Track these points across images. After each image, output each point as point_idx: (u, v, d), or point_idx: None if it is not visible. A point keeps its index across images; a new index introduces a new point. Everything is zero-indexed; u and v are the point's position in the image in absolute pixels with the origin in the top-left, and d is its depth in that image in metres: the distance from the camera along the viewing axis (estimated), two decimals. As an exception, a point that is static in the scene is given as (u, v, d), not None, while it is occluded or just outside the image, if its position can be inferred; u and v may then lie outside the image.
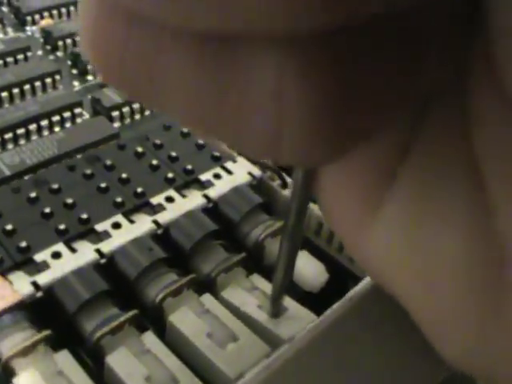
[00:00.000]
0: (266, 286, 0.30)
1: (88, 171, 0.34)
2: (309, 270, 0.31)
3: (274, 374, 0.22)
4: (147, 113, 0.45)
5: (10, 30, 0.53)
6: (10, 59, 0.48)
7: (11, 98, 0.44)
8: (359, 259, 0.15)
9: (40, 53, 0.50)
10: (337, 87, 0.11)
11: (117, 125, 0.43)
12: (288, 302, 0.28)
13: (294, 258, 0.23)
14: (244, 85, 0.11)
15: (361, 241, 0.15)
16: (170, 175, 0.34)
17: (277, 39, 0.11)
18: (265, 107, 0.11)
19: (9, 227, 0.30)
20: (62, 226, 0.30)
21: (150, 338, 0.27)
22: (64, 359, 0.26)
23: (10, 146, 0.40)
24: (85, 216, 0.31)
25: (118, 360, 0.26)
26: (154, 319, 0.29)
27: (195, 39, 0.11)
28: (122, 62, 0.12)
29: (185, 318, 0.28)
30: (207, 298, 0.29)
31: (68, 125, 0.43)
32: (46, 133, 0.42)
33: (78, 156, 0.36)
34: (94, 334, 0.27)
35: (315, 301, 0.31)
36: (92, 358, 0.28)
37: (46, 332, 0.27)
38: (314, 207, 0.35)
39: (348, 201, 0.15)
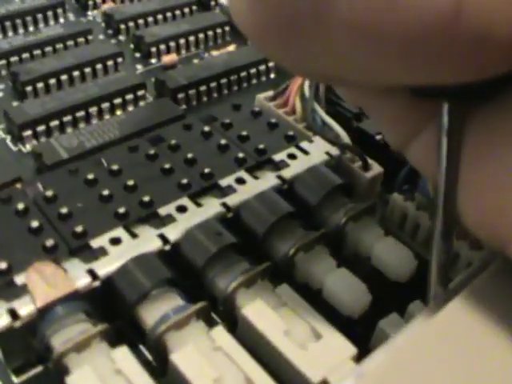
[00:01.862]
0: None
1: (151, 152, 0.31)
2: (396, 255, 0.27)
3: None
4: (214, 95, 0.42)
5: (71, 15, 0.51)
6: (70, 43, 0.45)
7: (71, 80, 0.42)
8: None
9: (102, 37, 0.48)
10: None
11: (183, 107, 0.40)
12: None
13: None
14: None
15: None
16: (241, 155, 0.31)
17: None
18: None
19: (64, 211, 0.27)
20: (121, 210, 0.27)
21: (220, 334, 0.24)
22: (123, 356, 0.23)
23: (69, 129, 0.38)
24: (147, 199, 0.28)
25: (185, 358, 0.23)
26: (224, 312, 0.25)
27: None
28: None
29: (260, 312, 0.25)
30: (284, 290, 0.26)
31: (130, 108, 0.40)
32: (107, 116, 0.39)
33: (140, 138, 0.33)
34: (156, 328, 0.24)
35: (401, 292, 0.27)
36: (154, 356, 0.24)
37: (103, 326, 0.24)
38: (397, 197, 0.31)
39: None
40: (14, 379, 0.25)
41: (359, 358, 0.23)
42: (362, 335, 0.26)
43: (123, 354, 0.23)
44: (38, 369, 0.25)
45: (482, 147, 0.17)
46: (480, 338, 0.19)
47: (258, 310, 0.25)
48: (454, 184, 0.18)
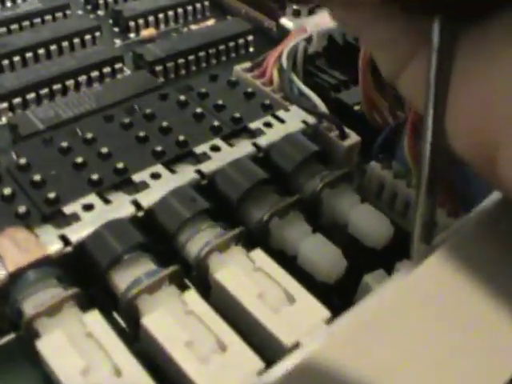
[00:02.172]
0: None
1: (126, 121, 0.30)
2: (372, 222, 0.27)
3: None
4: (193, 68, 0.41)
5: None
6: (48, 17, 0.45)
7: (48, 54, 0.41)
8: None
9: (80, 12, 0.47)
10: None
11: (161, 80, 0.40)
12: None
13: (435, 188, 0.20)
14: None
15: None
16: (216, 124, 0.30)
17: None
18: None
19: (37, 178, 0.27)
20: (95, 177, 0.27)
21: (192, 298, 0.24)
22: (94, 320, 0.23)
23: (46, 102, 0.38)
24: (121, 166, 0.28)
25: (156, 322, 0.23)
26: (197, 277, 0.25)
27: None
28: None
29: (233, 277, 0.25)
30: (258, 254, 0.25)
31: (108, 81, 0.40)
32: (84, 89, 0.39)
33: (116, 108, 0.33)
34: (128, 292, 0.23)
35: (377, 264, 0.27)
36: (126, 321, 0.24)
37: (74, 290, 0.23)
38: (375, 166, 0.31)
39: None
40: (-13, 346, 0.25)
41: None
42: (340, 306, 0.26)
43: (94, 317, 0.23)
44: (11, 336, 0.25)
45: (470, 66, 0.17)
46: (456, 293, 0.19)
47: (230, 274, 0.25)
48: (443, 106, 0.18)
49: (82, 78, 0.39)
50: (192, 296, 0.24)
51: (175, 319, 0.23)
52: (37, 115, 0.34)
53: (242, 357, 0.22)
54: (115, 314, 0.25)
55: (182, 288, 0.24)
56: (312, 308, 0.24)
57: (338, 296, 0.27)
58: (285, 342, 0.23)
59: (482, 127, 0.17)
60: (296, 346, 0.23)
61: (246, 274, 0.25)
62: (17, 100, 0.37)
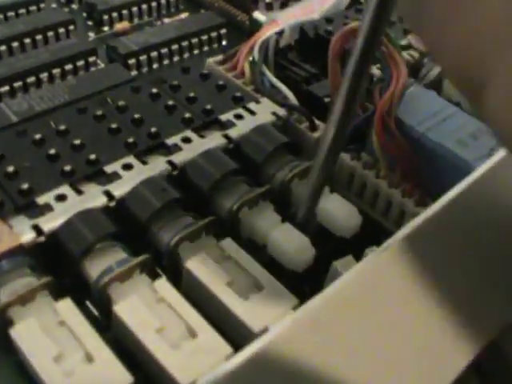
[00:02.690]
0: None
1: (98, 113, 0.31)
2: (341, 211, 0.28)
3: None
4: (166, 61, 0.42)
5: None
6: (22, 11, 0.45)
7: (22, 48, 0.41)
8: None
9: (54, 5, 0.48)
10: None
11: (134, 73, 0.40)
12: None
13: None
14: None
15: None
16: (188, 115, 0.31)
17: None
18: None
19: (10, 169, 0.27)
20: (67, 168, 0.27)
21: (163, 286, 0.24)
22: (66, 308, 0.23)
23: (20, 95, 0.38)
24: (93, 157, 0.28)
25: (128, 310, 0.23)
26: (168, 266, 0.26)
27: None
28: None
29: (203, 265, 0.25)
30: (228, 243, 0.26)
31: (82, 74, 0.40)
32: (58, 82, 0.39)
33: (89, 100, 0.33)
34: (100, 280, 0.24)
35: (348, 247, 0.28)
36: (98, 308, 0.25)
37: (47, 278, 0.24)
38: (345, 157, 0.31)
39: None
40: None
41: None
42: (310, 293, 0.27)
43: (67, 305, 0.23)
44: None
45: None
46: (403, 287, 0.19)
47: (201, 263, 0.25)
48: None
49: (56, 71, 0.39)
50: (163, 284, 0.24)
51: (146, 307, 0.23)
52: (10, 108, 0.34)
53: (212, 343, 0.23)
54: (88, 303, 0.26)
55: (154, 276, 0.25)
56: (280, 295, 0.24)
57: (308, 283, 0.27)
58: (253, 327, 0.23)
59: (469, 45, 0.16)
60: (264, 332, 0.23)
61: (216, 262, 0.25)
62: (-9, 92, 0.37)
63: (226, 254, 0.26)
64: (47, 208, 0.26)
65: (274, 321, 0.23)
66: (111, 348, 0.22)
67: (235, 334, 0.24)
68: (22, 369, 0.23)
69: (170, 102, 0.32)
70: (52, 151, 0.28)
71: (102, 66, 0.41)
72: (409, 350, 0.19)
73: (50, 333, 0.22)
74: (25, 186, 0.27)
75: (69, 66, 0.39)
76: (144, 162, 0.29)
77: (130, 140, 0.29)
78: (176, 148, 0.29)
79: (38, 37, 0.42)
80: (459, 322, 0.20)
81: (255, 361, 0.18)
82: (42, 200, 0.26)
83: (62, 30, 0.43)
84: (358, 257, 0.27)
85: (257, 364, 0.18)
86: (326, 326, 0.19)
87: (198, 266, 0.25)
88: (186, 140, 0.30)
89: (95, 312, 0.26)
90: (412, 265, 0.20)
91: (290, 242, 0.26)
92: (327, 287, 0.20)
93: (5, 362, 0.24)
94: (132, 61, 0.40)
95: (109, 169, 0.28)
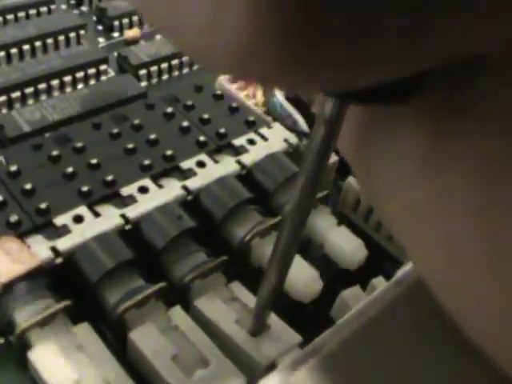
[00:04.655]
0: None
1: (114, 130, 0.31)
2: (347, 245, 0.29)
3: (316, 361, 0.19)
4: (175, 73, 0.42)
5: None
6: (32, 11, 0.45)
7: (33, 51, 0.42)
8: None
9: (64, 7, 0.48)
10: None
11: (144, 84, 0.41)
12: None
13: (290, 260, 0.21)
14: None
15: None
16: (202, 138, 0.32)
17: None
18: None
19: (28, 187, 0.28)
20: (85, 188, 0.28)
21: (178, 314, 0.25)
22: (84, 332, 0.24)
23: (31, 101, 0.38)
24: (110, 178, 0.29)
25: (144, 336, 0.24)
26: (179, 297, 0.27)
27: None
28: None
29: (211, 304, 0.26)
30: (236, 286, 0.27)
31: (92, 82, 0.40)
32: (68, 89, 0.39)
33: (104, 114, 0.34)
34: (117, 306, 0.25)
35: (352, 280, 0.29)
36: (114, 333, 0.25)
37: (66, 302, 0.24)
38: (352, 182, 0.32)
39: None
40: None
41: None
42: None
43: (85, 330, 0.24)
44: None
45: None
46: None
47: (209, 303, 0.26)
48: None
49: (67, 79, 0.39)
50: (178, 312, 0.25)
51: (161, 333, 0.24)
52: (23, 116, 0.35)
53: (224, 371, 0.24)
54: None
55: (169, 304, 0.26)
56: (286, 333, 0.25)
57: (313, 310, 0.28)
58: (261, 361, 0.24)
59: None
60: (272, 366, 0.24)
61: (224, 303, 0.26)
62: (2, 98, 0.37)
63: (234, 295, 0.26)
64: (65, 229, 0.27)
65: (281, 356, 0.24)
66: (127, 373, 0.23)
67: (243, 366, 0.24)
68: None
69: (185, 123, 0.32)
70: (69, 170, 0.29)
71: (113, 74, 0.41)
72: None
73: (69, 357, 0.23)
74: (43, 205, 0.27)
75: (80, 74, 0.40)
76: (159, 186, 0.29)
77: (146, 162, 0.30)
78: (190, 172, 0.30)
79: (49, 40, 0.42)
80: None
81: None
82: (59, 220, 0.27)
83: (73, 35, 0.43)
84: (363, 284, 0.28)
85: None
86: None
87: (206, 306, 0.26)
88: (201, 164, 0.30)
89: (110, 336, 0.26)
90: None
91: (299, 274, 0.27)
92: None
93: (19, 378, 0.25)
94: (143, 72, 0.41)
95: (125, 191, 0.29)
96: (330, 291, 0.28)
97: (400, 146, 0.13)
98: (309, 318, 0.28)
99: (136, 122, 0.32)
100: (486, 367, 0.18)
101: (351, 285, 0.28)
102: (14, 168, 0.29)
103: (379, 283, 0.28)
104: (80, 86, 0.40)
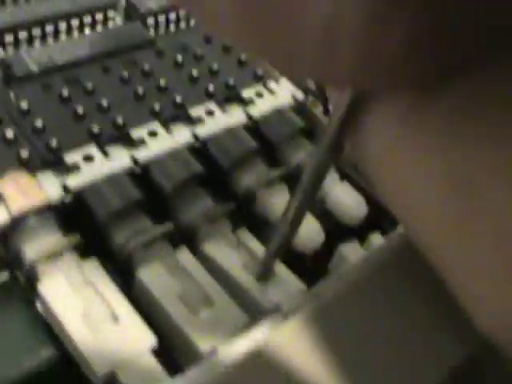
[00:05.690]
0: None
1: (124, 74, 0.32)
2: (349, 200, 0.29)
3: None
4: (182, 25, 0.42)
5: None
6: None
7: (40, -8, 0.41)
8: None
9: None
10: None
11: (151, 33, 0.41)
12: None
13: (304, 214, 0.21)
14: None
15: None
16: (211, 88, 0.32)
17: None
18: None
19: (38, 124, 0.28)
20: (95, 129, 0.28)
21: (184, 255, 0.26)
22: (93, 268, 0.25)
23: (38, 43, 0.38)
24: (120, 120, 0.29)
25: (151, 276, 0.25)
26: (185, 241, 0.27)
27: None
28: None
29: (219, 250, 0.26)
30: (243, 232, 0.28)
31: (99, 28, 0.40)
32: (75, 33, 0.39)
33: (113, 59, 0.34)
34: (126, 246, 0.25)
35: (350, 235, 0.29)
36: (120, 272, 0.26)
37: (75, 237, 0.25)
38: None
39: None
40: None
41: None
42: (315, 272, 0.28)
43: (93, 265, 0.25)
44: (4, 275, 0.26)
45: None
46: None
47: (216, 247, 0.27)
48: None
49: (75, 22, 0.39)
50: (184, 253, 0.26)
51: (169, 273, 0.25)
52: (31, 57, 0.35)
53: (228, 311, 0.24)
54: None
55: (174, 245, 0.26)
56: (291, 280, 0.26)
57: (313, 263, 0.29)
58: (266, 305, 0.25)
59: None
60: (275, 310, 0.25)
61: (233, 249, 0.27)
62: (8, 38, 0.37)
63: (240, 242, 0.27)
64: (75, 167, 0.27)
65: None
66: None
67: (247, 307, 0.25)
68: (40, 322, 0.24)
69: (194, 73, 0.32)
70: (79, 110, 0.29)
71: (120, 21, 0.41)
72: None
73: (77, 291, 0.24)
74: (53, 142, 0.27)
75: (88, 18, 0.40)
76: (169, 131, 0.29)
77: (156, 107, 0.30)
78: (199, 120, 0.30)
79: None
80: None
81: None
82: (69, 158, 0.27)
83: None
84: (362, 239, 0.29)
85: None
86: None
87: (216, 250, 0.26)
88: (210, 113, 0.31)
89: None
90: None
91: (303, 226, 0.28)
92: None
93: (25, 313, 0.25)
94: (150, 21, 0.41)
95: (135, 134, 0.29)
96: (329, 245, 0.29)
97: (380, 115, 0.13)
98: (308, 270, 0.29)
99: (146, 67, 0.32)
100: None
101: (349, 240, 0.29)
102: (24, 105, 0.29)
103: (377, 239, 0.29)
104: (87, 31, 0.40)
